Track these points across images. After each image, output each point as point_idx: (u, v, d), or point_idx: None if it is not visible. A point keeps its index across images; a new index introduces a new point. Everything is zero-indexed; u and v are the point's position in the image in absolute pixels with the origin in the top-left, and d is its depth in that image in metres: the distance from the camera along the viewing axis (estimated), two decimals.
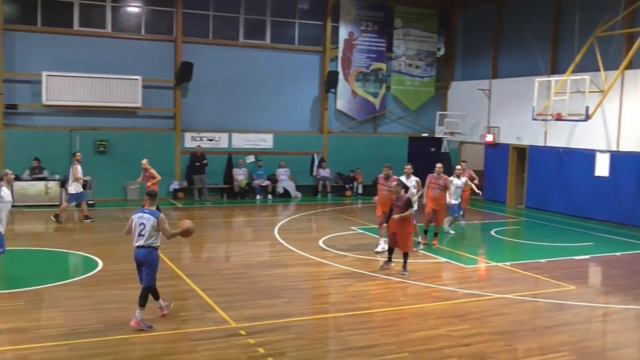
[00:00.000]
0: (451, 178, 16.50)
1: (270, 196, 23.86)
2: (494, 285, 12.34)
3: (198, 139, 23.28)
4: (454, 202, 16.59)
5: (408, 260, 12.85)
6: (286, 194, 24.16)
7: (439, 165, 15.95)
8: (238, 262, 13.78)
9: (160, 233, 9.21)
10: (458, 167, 17.36)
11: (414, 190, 14.76)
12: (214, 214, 20.54)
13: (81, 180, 17.59)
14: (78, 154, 18.09)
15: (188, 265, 13.55)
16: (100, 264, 12.92)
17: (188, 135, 23.26)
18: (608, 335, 9.95)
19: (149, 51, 22.63)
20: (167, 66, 22.86)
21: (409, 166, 15.27)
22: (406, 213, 12.65)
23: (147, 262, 9.16)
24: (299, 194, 24.34)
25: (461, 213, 17.91)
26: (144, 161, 18.04)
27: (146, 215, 9.19)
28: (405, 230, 12.77)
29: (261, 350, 8.29)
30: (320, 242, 15.47)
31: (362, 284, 11.93)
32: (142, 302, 9.04)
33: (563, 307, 10.84)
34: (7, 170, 11.55)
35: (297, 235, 16.60)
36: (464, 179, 17.25)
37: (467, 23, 27.16)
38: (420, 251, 14.79)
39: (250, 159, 24.14)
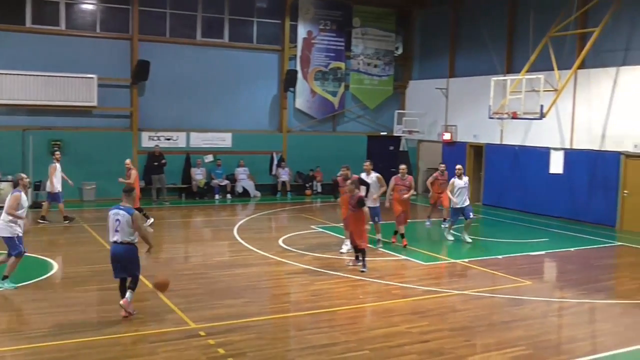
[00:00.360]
0: (452, 179, 16.36)
1: (229, 196, 23.73)
2: (453, 282, 12.50)
3: (155, 138, 23.01)
4: (458, 205, 16.08)
5: (367, 258, 12.90)
6: (245, 193, 24.06)
7: (402, 166, 15.89)
8: (197, 263, 13.67)
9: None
10: (458, 166, 16.71)
11: (377, 186, 14.78)
12: (173, 214, 20.34)
13: (58, 180, 17.41)
14: (57, 153, 17.82)
15: (146, 266, 13.25)
16: (55, 266, 12.67)
17: (145, 135, 22.97)
18: (563, 329, 10.14)
19: (105, 49, 22.26)
20: (123, 65, 22.53)
21: (368, 162, 15.29)
22: (362, 209, 12.74)
23: (128, 259, 9.48)
24: (258, 194, 24.26)
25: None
26: (128, 161, 17.96)
27: (121, 211, 9.41)
28: (360, 228, 12.80)
29: (221, 350, 8.23)
30: (280, 242, 15.44)
31: (322, 282, 11.94)
32: (133, 287, 9.49)
33: (520, 303, 11.03)
34: (22, 175, 11.56)
35: (256, 235, 16.54)
36: (465, 178, 16.47)
37: (425, 23, 27.42)
38: (380, 249, 14.87)
39: (209, 158, 23.96)
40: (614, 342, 9.09)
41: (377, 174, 15.07)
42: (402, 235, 15.53)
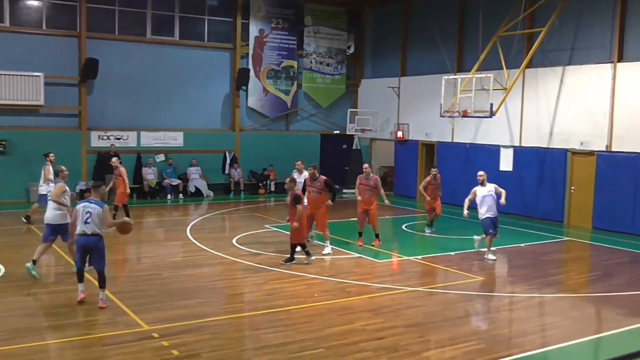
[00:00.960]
0: (474, 188, 14.59)
1: (181, 195, 23.49)
2: (406, 278, 12.61)
3: (105, 137, 22.62)
4: (488, 215, 14.29)
5: (319, 256, 12.92)
6: (198, 193, 23.84)
7: (365, 165, 15.77)
8: (150, 264, 13.47)
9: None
10: (480, 173, 14.67)
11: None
12: (124, 215, 19.97)
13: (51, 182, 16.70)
14: (51, 154, 17.45)
15: None
16: (2, 269, 12.33)
17: (94, 134, 22.54)
18: (514, 323, 10.34)
19: (52, 47, 21.76)
20: (70, 62, 22.07)
21: (299, 162, 15.41)
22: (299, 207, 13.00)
23: (97, 249, 10.06)
24: (211, 193, 24.07)
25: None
26: (114, 159, 18.00)
27: (92, 205, 10.10)
28: (295, 223, 13.02)
29: (175, 352, 8.13)
30: (234, 241, 15.35)
31: (277, 281, 11.91)
32: (102, 284, 10.05)
33: (472, 298, 11.21)
34: (62, 167, 12.69)
35: (210, 235, 16.40)
36: (490, 185, 14.45)
37: (376, 21, 27.60)
38: (315, 240, 15.04)
39: (160, 157, 23.66)
40: (563, 334, 9.31)
41: (307, 174, 15.21)
42: (376, 235, 15.51)
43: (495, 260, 14.07)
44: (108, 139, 22.61)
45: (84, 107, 22.31)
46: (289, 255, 13.28)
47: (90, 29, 22.25)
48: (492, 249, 14.48)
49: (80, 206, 10.08)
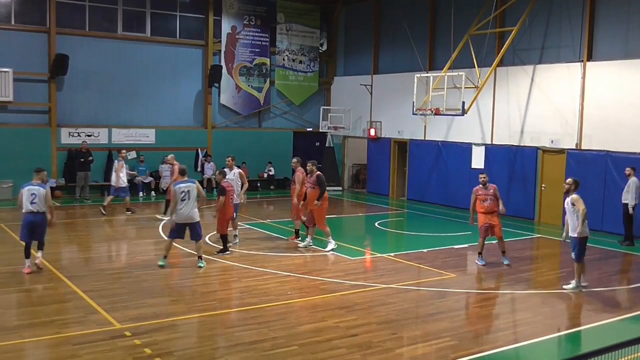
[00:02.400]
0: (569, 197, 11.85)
1: (153, 193, 23.27)
2: (379, 275, 12.65)
3: (76, 134, 22.33)
4: (572, 235, 11.69)
5: (291, 254, 12.90)
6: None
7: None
8: (121, 262, 13.34)
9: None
10: (569, 180, 12.07)
11: (239, 182, 15.05)
12: (95, 213, 19.73)
13: (126, 175, 19.10)
14: (124, 151, 19.25)
15: (68, 266, 12.95)
16: None
17: (65, 131, 22.24)
18: (486, 319, 10.42)
19: (20, 42, 21.42)
20: (40, 58, 21.75)
21: (230, 158, 15.55)
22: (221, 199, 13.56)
23: (42, 225, 11.81)
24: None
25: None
26: (170, 156, 18.86)
27: (36, 187, 11.66)
28: (219, 215, 13.70)
29: (148, 350, 8.06)
30: (206, 239, 15.24)
31: (250, 279, 11.88)
32: (42, 247, 12.00)
33: (444, 295, 11.28)
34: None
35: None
36: (574, 196, 11.74)
37: (348, 19, 27.64)
38: (236, 244, 14.90)
39: (132, 155, 23.40)
40: (534, 330, 9.41)
41: (240, 170, 15.45)
42: (296, 232, 15.57)
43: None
44: (79, 135, 22.33)
45: (54, 103, 21.99)
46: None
47: (60, 25, 21.95)
48: (464, 245, 14.56)
49: (25, 189, 11.73)
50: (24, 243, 11.83)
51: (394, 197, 24.74)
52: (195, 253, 12.90)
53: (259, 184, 24.95)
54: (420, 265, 13.39)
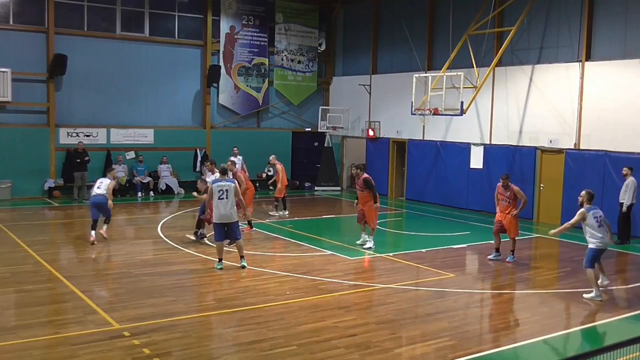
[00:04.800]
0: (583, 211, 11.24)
1: (152, 193, 23.28)
2: (378, 275, 12.66)
3: (74, 134, 22.31)
4: (593, 245, 11.14)
5: (297, 254, 12.91)
6: (169, 190, 23.64)
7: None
8: (120, 262, 13.32)
9: None
10: (582, 193, 11.47)
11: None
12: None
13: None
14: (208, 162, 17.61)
15: (66, 266, 12.96)
16: None
17: (63, 131, 22.22)
18: (485, 319, 10.44)
19: (19, 42, 21.41)
20: (38, 58, 21.73)
21: (208, 163, 16.23)
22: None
23: (105, 205, 14.62)
24: (182, 191, 23.87)
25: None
26: (272, 157, 19.76)
27: (103, 179, 14.95)
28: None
29: (146, 351, 8.06)
30: (205, 240, 15.25)
31: (249, 279, 11.88)
32: (108, 222, 15.16)
33: (443, 295, 11.28)
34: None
35: (181, 233, 16.27)
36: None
37: (347, 19, 27.64)
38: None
39: (130, 155, 23.43)
40: (533, 330, 9.42)
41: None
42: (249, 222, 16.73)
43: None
44: (77, 135, 22.32)
45: (52, 103, 21.98)
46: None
47: (59, 25, 21.93)
48: (462, 245, 14.59)
49: (98, 181, 15.10)
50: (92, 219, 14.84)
51: (392, 197, 24.75)
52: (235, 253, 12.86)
53: (257, 184, 24.93)
54: (419, 265, 13.40)
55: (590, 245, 11.20)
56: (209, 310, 10.11)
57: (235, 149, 21.42)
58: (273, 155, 20.20)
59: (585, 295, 11.17)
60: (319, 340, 8.68)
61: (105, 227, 15.06)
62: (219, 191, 12.40)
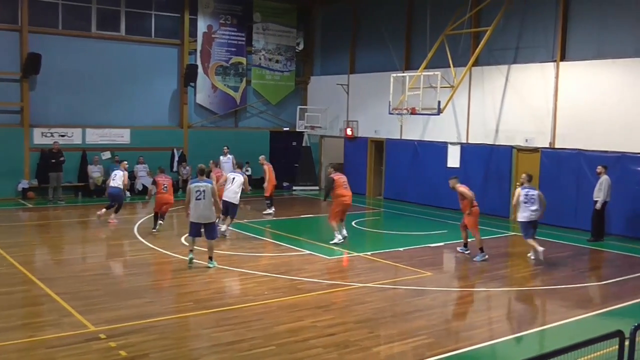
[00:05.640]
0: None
1: (128, 193, 23.05)
2: (356, 275, 12.68)
3: (49, 135, 22.06)
4: (519, 218, 13.80)
5: (266, 254, 12.88)
6: (145, 190, 23.41)
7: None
8: (96, 263, 13.20)
9: None
10: (523, 176, 14.12)
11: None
12: (69, 214, 19.58)
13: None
14: (125, 162, 18.58)
15: (41, 268, 12.81)
16: None
17: (37, 131, 21.95)
18: (462, 317, 10.50)
19: None
20: (12, 57, 21.44)
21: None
22: None
23: (119, 196, 16.85)
24: (128, 195, 23.62)
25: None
26: (261, 157, 19.93)
27: (117, 171, 15.84)
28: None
29: (123, 353, 7.99)
30: (183, 240, 15.16)
31: (227, 279, 11.84)
32: (118, 209, 17.32)
33: (421, 293, 11.33)
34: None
35: (158, 233, 16.15)
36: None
37: (326, 19, 27.66)
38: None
39: (106, 155, 23.21)
40: (509, 327, 9.51)
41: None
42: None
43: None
44: (52, 136, 22.07)
45: (26, 103, 21.71)
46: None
47: (33, 23, 21.66)
48: (440, 244, 14.68)
49: (112, 172, 17.15)
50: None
51: (370, 196, 24.81)
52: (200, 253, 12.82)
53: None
54: (397, 264, 13.44)
55: (518, 219, 13.87)
56: (186, 311, 10.05)
57: (226, 148, 22.25)
58: (262, 156, 20.41)
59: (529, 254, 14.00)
60: (298, 340, 8.67)
61: (104, 210, 17.31)
62: (196, 191, 12.38)
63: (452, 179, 14.73)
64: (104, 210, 17.44)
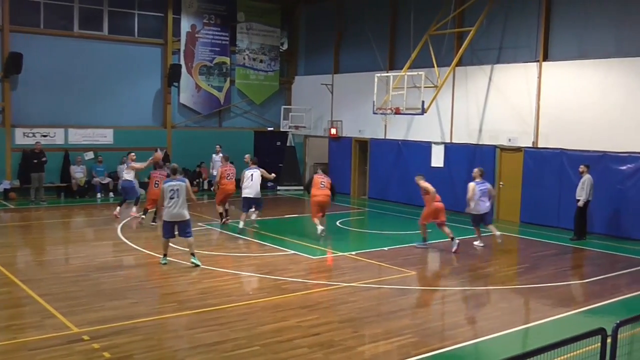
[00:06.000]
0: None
1: (111, 194, 22.94)
2: (341, 274, 12.68)
3: (31, 135, 21.87)
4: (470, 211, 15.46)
5: (254, 254, 12.86)
6: None
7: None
8: (79, 264, 13.10)
9: None
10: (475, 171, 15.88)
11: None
12: (51, 215, 19.41)
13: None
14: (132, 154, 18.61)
15: (23, 270, 12.70)
16: None
17: (19, 131, 21.76)
18: (446, 315, 10.54)
19: None
20: None
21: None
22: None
23: (131, 188, 16.77)
24: (142, 191, 23.54)
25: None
26: (247, 156, 18.65)
27: (122, 166, 14.24)
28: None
29: (107, 354, 7.94)
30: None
31: (211, 280, 11.79)
32: (136, 203, 17.45)
33: (405, 292, 11.36)
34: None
35: (141, 234, 16.07)
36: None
37: (310, 19, 27.65)
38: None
39: (89, 155, 23.05)
40: (493, 326, 9.54)
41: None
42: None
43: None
44: (34, 136, 21.88)
45: (8, 103, 21.50)
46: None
47: (14, 22, 21.46)
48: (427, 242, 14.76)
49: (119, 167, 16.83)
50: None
51: (355, 195, 24.84)
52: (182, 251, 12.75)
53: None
54: (381, 263, 13.46)
55: (473, 212, 15.26)
56: (170, 312, 10.01)
57: (218, 146, 22.48)
58: (247, 155, 20.03)
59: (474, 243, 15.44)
60: (282, 340, 8.66)
61: (134, 208, 17.78)
62: (170, 191, 12.50)
63: (417, 176, 15.85)
64: (118, 208, 17.85)
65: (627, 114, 16.97)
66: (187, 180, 12.93)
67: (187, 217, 12.72)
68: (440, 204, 15.30)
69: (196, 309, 10.01)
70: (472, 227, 15.81)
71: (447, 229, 15.13)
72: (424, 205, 15.61)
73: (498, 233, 15.41)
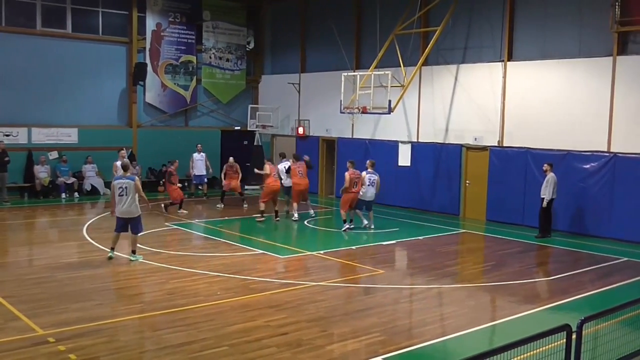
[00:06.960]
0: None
1: (76, 194, 22.62)
2: (309, 273, 12.70)
3: None
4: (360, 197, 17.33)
5: (222, 254, 12.77)
6: (94, 191, 23.04)
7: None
8: (43, 266, 12.88)
9: None
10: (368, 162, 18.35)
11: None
12: (14, 216, 19.06)
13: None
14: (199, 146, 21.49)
15: None
16: None
17: None
18: (414, 314, 10.61)
19: None
20: None
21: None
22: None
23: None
24: (107, 191, 23.27)
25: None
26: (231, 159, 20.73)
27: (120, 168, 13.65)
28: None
29: (72, 356, 7.82)
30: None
31: (178, 280, 11.70)
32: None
33: (373, 291, 11.42)
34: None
35: (107, 234, 15.81)
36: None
37: (275, 17, 27.60)
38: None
39: (53, 155, 22.68)
40: (460, 323, 9.64)
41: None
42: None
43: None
44: None
45: None
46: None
47: None
48: (392, 242, 14.78)
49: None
50: None
51: (323, 195, 24.86)
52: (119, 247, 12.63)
53: (186, 184, 24.58)
54: (349, 262, 13.51)
55: (360, 197, 17.08)
56: (136, 313, 9.90)
57: (199, 145, 22.54)
58: (231, 158, 21.04)
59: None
60: (250, 340, 8.64)
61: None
62: (118, 188, 12.76)
63: (348, 162, 17.58)
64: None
65: (590, 113, 17.28)
66: (136, 178, 13.10)
67: (137, 213, 12.96)
68: (354, 195, 17.14)
69: (163, 309, 9.92)
70: (355, 211, 17.47)
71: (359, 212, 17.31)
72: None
73: (367, 222, 17.37)
